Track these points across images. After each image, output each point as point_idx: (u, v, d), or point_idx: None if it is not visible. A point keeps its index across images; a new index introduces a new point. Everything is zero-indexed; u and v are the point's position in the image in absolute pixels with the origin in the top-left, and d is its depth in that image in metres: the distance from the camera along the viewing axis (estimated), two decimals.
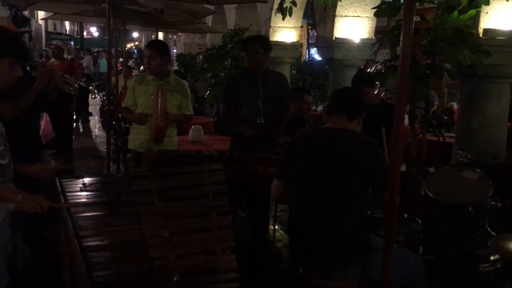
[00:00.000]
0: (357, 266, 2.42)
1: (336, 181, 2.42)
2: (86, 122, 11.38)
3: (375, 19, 7.09)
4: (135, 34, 37.26)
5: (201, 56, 11.33)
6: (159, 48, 4.00)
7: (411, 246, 2.89)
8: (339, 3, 6.56)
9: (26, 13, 9.58)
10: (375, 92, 5.51)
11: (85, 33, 35.02)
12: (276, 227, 4.76)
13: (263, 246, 4.22)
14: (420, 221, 3.21)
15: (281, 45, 9.61)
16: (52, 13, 7.79)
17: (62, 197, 2.52)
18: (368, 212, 2.85)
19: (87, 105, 11.80)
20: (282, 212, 5.01)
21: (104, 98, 11.01)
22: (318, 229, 2.43)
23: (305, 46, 15.03)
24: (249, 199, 4.19)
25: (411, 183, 3.96)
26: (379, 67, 8.30)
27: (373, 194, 2.50)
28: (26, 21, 9.24)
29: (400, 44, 2.08)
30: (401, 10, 3.83)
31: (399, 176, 2.12)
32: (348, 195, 2.42)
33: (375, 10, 4.26)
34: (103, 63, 15.07)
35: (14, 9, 8.19)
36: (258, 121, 4.05)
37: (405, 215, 3.22)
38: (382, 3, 4.44)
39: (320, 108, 8.12)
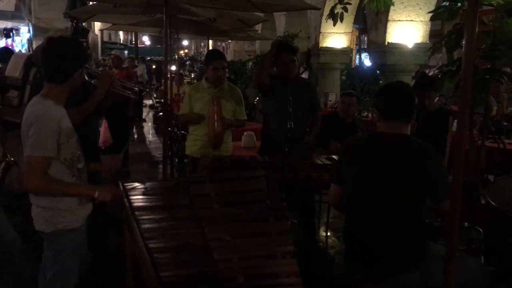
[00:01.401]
0: (415, 273, 2.39)
1: (394, 188, 2.39)
2: (140, 128, 11.75)
3: (429, 23, 6.95)
4: (185, 42, 38.09)
5: (250, 63, 11.45)
6: (225, 58, 4.18)
7: (472, 256, 2.81)
8: (391, 7, 6.48)
9: (84, 24, 10.05)
10: None
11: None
12: (329, 233, 4.74)
13: (315, 252, 4.22)
14: (481, 230, 3.11)
15: (331, 51, 9.58)
16: (111, 24, 8.13)
17: (125, 200, 2.65)
18: (427, 220, 2.80)
19: (141, 112, 12.19)
20: (334, 219, 4.99)
21: (157, 105, 11.36)
22: (375, 236, 2.41)
23: (354, 51, 14.87)
24: (302, 205, 4.20)
25: (470, 191, 3.84)
26: (435, 72, 8.07)
27: (432, 203, 2.45)
28: (85, 32, 9.69)
29: (463, 48, 2.05)
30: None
31: (461, 184, 2.07)
32: (406, 203, 2.39)
33: (430, 14, 4.19)
34: None
35: (75, 21, 8.61)
36: (288, 126, 4.07)
37: (465, 223, 3.13)
38: (439, 7, 4.35)
39: (370, 114, 8.01)
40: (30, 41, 15.68)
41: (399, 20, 6.95)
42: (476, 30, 2.05)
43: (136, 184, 2.91)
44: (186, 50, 40.64)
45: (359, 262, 2.51)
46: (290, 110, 4.06)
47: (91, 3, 7.51)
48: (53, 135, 2.30)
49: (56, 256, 2.47)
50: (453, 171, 2.10)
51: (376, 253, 2.40)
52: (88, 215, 2.56)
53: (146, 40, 41.13)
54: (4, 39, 16.09)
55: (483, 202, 3.49)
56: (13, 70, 3.86)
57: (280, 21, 12.51)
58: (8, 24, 14.88)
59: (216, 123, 3.88)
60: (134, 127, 11.46)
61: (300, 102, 4.12)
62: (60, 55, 2.41)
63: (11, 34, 15.89)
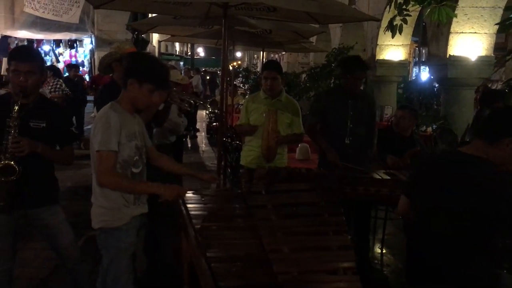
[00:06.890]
0: None
1: (465, 212, 2.18)
2: (193, 138, 11.94)
3: (494, 35, 6.65)
4: (238, 54, 38.56)
5: (304, 75, 11.41)
6: (280, 69, 4.16)
7: None
8: (454, 19, 6.26)
9: (144, 36, 10.37)
10: None
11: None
12: (384, 250, 4.60)
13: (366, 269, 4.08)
14: None
15: (388, 63, 9.39)
16: (169, 36, 8.34)
17: (183, 207, 2.67)
18: None
19: (195, 121, 12.39)
20: (389, 236, 4.84)
21: (211, 115, 11.51)
22: (441, 260, 2.26)
23: (412, 64, 14.52)
24: (358, 220, 4.09)
25: None
26: (498, 86, 7.71)
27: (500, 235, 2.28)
28: (145, 44, 9.96)
29: None
30: None
31: None
32: (472, 229, 2.18)
33: (495, 26, 4.02)
34: None
35: (136, 33, 8.87)
36: (346, 141, 3.99)
37: None
38: (507, 18, 4.15)
39: (429, 129, 7.72)
40: (92, 52, 16.43)
41: (462, 32, 6.70)
42: None
43: (193, 192, 2.94)
44: (240, 62, 41.11)
45: (421, 283, 2.38)
46: (350, 125, 3.98)
47: (150, 15, 7.73)
48: (116, 132, 2.41)
49: (104, 253, 2.58)
50: None
51: (441, 276, 2.26)
52: (134, 216, 2.58)
53: (200, 51, 41.99)
54: (68, 50, 16.95)
55: None
56: None
57: (336, 33, 12.41)
58: (73, 36, 15.69)
59: (269, 137, 3.87)
60: (188, 136, 11.66)
61: (360, 117, 4.03)
62: (125, 64, 2.63)
63: (75, 45, 16.72)
